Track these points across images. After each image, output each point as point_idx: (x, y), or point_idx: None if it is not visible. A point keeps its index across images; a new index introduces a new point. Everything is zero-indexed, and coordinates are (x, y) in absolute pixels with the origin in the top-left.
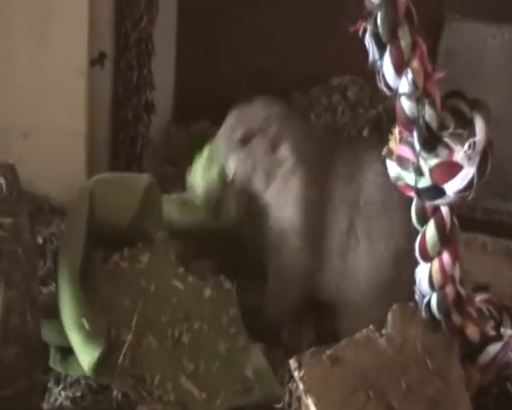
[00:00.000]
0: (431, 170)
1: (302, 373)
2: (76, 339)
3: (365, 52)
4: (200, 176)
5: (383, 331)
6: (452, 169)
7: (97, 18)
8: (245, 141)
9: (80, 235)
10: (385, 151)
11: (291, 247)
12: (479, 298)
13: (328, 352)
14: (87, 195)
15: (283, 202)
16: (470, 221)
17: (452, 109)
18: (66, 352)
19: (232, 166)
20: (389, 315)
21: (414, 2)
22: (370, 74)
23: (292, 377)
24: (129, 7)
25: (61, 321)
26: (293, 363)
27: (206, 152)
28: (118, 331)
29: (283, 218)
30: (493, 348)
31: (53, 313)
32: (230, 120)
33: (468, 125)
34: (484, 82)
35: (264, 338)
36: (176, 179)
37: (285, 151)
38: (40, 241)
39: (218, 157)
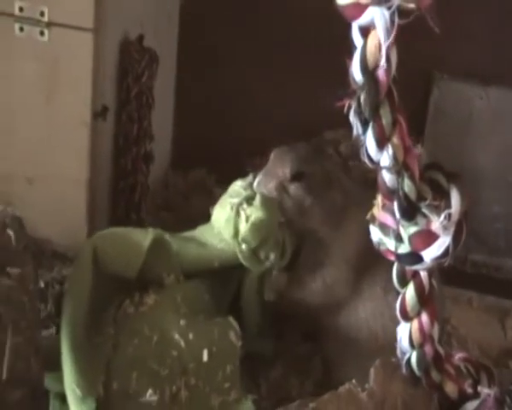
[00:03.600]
0: (410, 237)
1: None
2: (69, 398)
3: None
4: (227, 219)
5: (366, 386)
6: (429, 238)
7: (101, 74)
8: (297, 177)
9: (84, 292)
10: (368, 216)
11: (339, 277)
12: (457, 356)
13: (311, 405)
14: (90, 250)
15: (338, 239)
16: (460, 274)
17: (430, 180)
18: (65, 399)
19: (287, 204)
20: (372, 370)
21: (404, 61)
22: None
23: None
24: (130, 63)
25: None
26: None
27: (235, 197)
28: (119, 383)
29: (336, 251)
30: (471, 406)
31: (53, 361)
32: (275, 159)
33: (445, 197)
34: (471, 140)
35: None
36: (174, 225)
37: (337, 192)
38: (42, 285)
39: (261, 199)
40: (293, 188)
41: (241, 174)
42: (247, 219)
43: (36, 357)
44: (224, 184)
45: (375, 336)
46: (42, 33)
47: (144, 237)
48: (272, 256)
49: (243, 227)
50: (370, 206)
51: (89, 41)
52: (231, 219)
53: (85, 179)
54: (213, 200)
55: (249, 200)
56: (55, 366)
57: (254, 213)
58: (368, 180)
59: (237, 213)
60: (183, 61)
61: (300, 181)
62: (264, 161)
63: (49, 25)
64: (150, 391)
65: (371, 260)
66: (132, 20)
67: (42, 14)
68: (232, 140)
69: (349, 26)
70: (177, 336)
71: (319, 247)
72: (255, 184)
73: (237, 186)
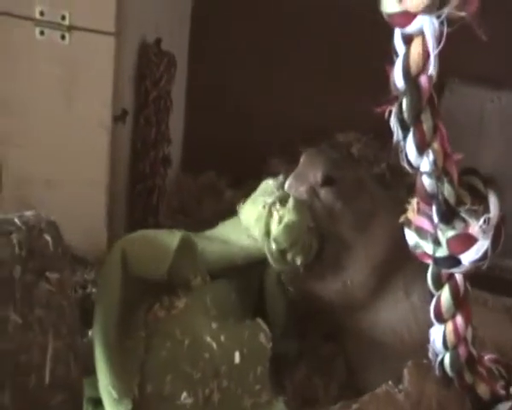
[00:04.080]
0: (448, 241)
1: None
2: (105, 400)
3: (370, 111)
4: (258, 217)
5: (400, 387)
6: (468, 241)
7: (120, 77)
8: (328, 182)
9: (114, 296)
10: (403, 220)
11: (361, 281)
12: (487, 358)
13: (354, 406)
14: (119, 253)
15: (363, 243)
16: (474, 276)
17: (467, 185)
18: (98, 404)
19: (317, 207)
20: (405, 371)
21: None
22: (374, 133)
23: None
24: (149, 66)
25: (95, 376)
26: None
27: (268, 195)
28: (154, 385)
29: (360, 255)
30: (503, 408)
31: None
32: (305, 163)
33: (483, 201)
34: (482, 143)
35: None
36: (187, 228)
37: (366, 197)
38: None
39: (294, 202)
40: (324, 192)
41: (252, 177)
42: (280, 219)
43: (75, 362)
44: (235, 187)
45: (401, 339)
46: (63, 37)
47: (172, 238)
48: (299, 260)
49: (275, 227)
50: (396, 210)
51: (110, 45)
52: (263, 218)
53: (105, 183)
54: (225, 202)
55: (282, 201)
56: (87, 371)
57: (287, 214)
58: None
59: (269, 213)
60: (194, 64)
61: (331, 186)
62: (277, 164)
63: (70, 28)
64: (185, 394)
65: (394, 266)
66: (149, 24)
67: (63, 17)
68: (242, 143)
69: (364, 30)
70: (208, 339)
71: (343, 249)
72: (286, 186)
73: (269, 185)
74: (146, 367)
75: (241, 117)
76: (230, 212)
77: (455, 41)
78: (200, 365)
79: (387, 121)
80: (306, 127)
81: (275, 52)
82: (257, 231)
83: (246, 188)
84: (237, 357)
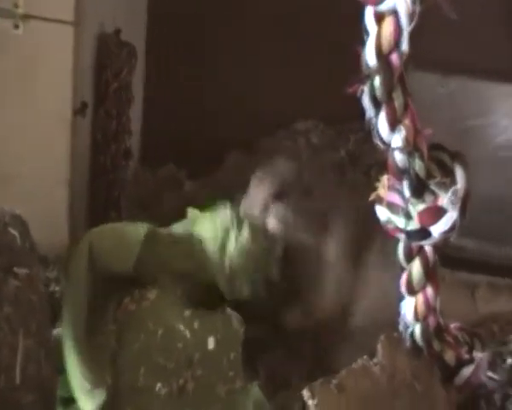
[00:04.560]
0: (419, 214)
1: (316, 401)
2: (78, 394)
3: (329, 99)
4: (215, 235)
5: (375, 360)
6: (438, 213)
7: (80, 69)
8: (278, 198)
9: (82, 290)
10: (374, 197)
11: (340, 276)
12: (453, 326)
13: (334, 381)
14: (86, 247)
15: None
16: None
17: (435, 160)
18: (68, 403)
19: (271, 223)
20: (378, 345)
21: None
22: (333, 120)
23: (305, 406)
24: (109, 57)
25: (65, 373)
26: (306, 393)
27: (226, 219)
28: (128, 378)
29: (329, 253)
30: (467, 371)
31: None
32: (255, 185)
33: (450, 174)
34: (433, 127)
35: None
36: (147, 222)
37: (318, 198)
38: None
39: (249, 228)
40: (276, 208)
41: (211, 169)
42: (236, 239)
43: (47, 360)
44: (195, 179)
45: (371, 316)
46: (16, 26)
47: (138, 230)
48: (245, 290)
49: (231, 246)
50: (357, 195)
51: (69, 35)
52: (219, 237)
53: (65, 178)
54: (185, 195)
55: (239, 225)
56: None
57: (243, 239)
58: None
59: (226, 234)
60: (151, 55)
61: (282, 200)
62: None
63: (24, 17)
64: (159, 385)
65: (362, 246)
66: (107, 14)
67: (16, 5)
68: (201, 135)
69: (319, 19)
70: (182, 328)
71: (307, 253)
72: (241, 211)
73: (227, 212)
74: (119, 360)
75: (199, 109)
76: (191, 204)
77: None
78: (173, 355)
79: (344, 108)
80: (265, 118)
81: (232, 43)
82: (211, 247)
83: (205, 180)
84: (211, 343)
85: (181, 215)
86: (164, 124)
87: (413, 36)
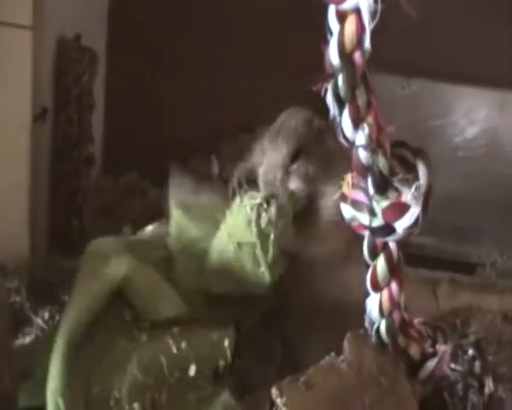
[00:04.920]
0: (383, 210)
1: (284, 399)
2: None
3: (291, 102)
4: (248, 220)
5: (342, 357)
6: (401, 209)
7: (39, 74)
8: (296, 156)
9: (94, 306)
10: (338, 196)
11: None
12: (416, 321)
13: (302, 379)
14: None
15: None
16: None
17: (398, 157)
18: None
19: (296, 183)
20: (345, 342)
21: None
22: None
23: (273, 405)
24: (70, 62)
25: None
26: (274, 391)
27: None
28: (101, 389)
29: None
30: (431, 364)
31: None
32: (271, 146)
33: (412, 171)
34: (394, 128)
35: None
36: (112, 230)
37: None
38: None
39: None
40: (297, 167)
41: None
42: (270, 214)
43: (9, 370)
44: (158, 186)
45: (339, 311)
46: None
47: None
48: (280, 270)
49: (265, 221)
50: None
51: (27, 39)
52: (253, 220)
53: (26, 185)
54: (148, 202)
55: (266, 201)
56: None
57: (275, 209)
58: None
59: (258, 214)
60: (113, 61)
61: (299, 157)
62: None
63: None
64: (135, 404)
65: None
66: (67, 19)
67: None
68: (163, 141)
69: (280, 20)
70: (170, 341)
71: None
72: (261, 186)
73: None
74: (96, 370)
75: (161, 115)
76: (154, 211)
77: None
78: (154, 370)
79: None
80: (228, 124)
81: (194, 49)
82: (248, 234)
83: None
84: (192, 370)
85: (144, 223)
86: (126, 130)
87: (375, 38)
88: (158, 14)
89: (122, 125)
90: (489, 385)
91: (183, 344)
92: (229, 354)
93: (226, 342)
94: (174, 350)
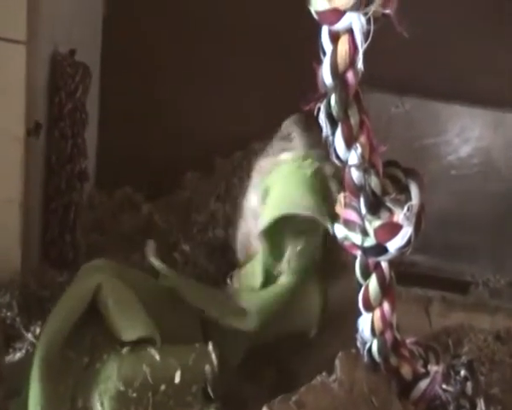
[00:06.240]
0: (375, 230)
1: None
2: None
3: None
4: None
5: (333, 377)
6: (394, 229)
7: (33, 88)
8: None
9: (72, 317)
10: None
11: None
12: (408, 341)
13: (293, 398)
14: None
15: None
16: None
17: (390, 176)
18: None
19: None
20: (337, 362)
21: None
22: None
23: None
24: (63, 77)
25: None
26: None
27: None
28: (84, 401)
29: None
30: (423, 384)
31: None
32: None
33: (404, 191)
34: (389, 146)
35: None
36: (105, 245)
37: None
38: None
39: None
40: None
41: (167, 191)
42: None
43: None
44: (151, 201)
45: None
46: None
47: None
48: None
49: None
50: None
51: (21, 54)
52: (316, 183)
53: (18, 200)
54: (142, 216)
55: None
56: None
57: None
58: None
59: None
60: (107, 76)
61: None
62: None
63: None
64: None
65: None
66: (61, 34)
67: None
68: (157, 156)
69: (275, 38)
70: (153, 350)
71: None
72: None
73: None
74: (81, 382)
75: (155, 130)
76: (148, 226)
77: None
78: (137, 383)
79: None
80: (221, 140)
81: (188, 65)
82: (313, 203)
83: (162, 202)
84: (178, 377)
85: (137, 238)
86: (119, 146)
87: (369, 57)
88: (152, 30)
89: (115, 141)
90: (481, 406)
91: (167, 352)
92: (215, 359)
93: (210, 347)
94: (157, 358)
